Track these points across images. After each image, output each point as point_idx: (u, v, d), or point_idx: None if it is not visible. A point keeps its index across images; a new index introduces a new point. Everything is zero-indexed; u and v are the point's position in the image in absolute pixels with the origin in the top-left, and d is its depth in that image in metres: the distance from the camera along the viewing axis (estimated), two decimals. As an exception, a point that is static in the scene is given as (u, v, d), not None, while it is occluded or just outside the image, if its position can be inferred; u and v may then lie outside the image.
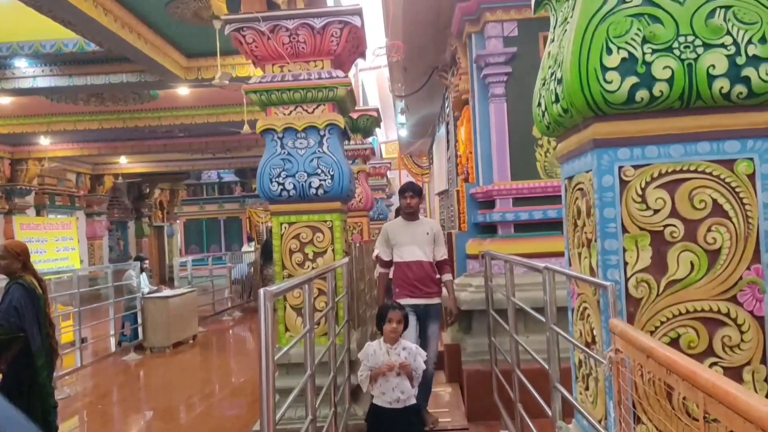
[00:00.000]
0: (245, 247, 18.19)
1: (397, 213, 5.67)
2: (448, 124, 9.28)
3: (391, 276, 5.14)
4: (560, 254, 4.63)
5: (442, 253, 5.02)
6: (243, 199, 23.27)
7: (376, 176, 14.34)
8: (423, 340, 4.75)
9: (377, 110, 9.99)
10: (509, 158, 5.75)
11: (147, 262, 10.99)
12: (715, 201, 2.05)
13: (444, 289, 5.04)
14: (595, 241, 2.17)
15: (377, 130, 11.91)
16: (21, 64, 9.68)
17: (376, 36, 9.44)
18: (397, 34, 7.44)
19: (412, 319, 4.55)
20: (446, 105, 9.31)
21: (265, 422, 2.02)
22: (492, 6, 5.72)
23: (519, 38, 5.72)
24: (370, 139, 10.40)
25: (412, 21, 7.09)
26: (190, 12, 8.08)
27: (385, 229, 5.16)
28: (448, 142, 9.53)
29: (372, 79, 16.06)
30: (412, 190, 5.02)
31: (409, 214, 5.03)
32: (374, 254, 5.68)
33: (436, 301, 4.92)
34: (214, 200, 23.73)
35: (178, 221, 25.34)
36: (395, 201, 19.51)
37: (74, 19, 7.12)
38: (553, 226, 5.50)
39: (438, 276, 5.02)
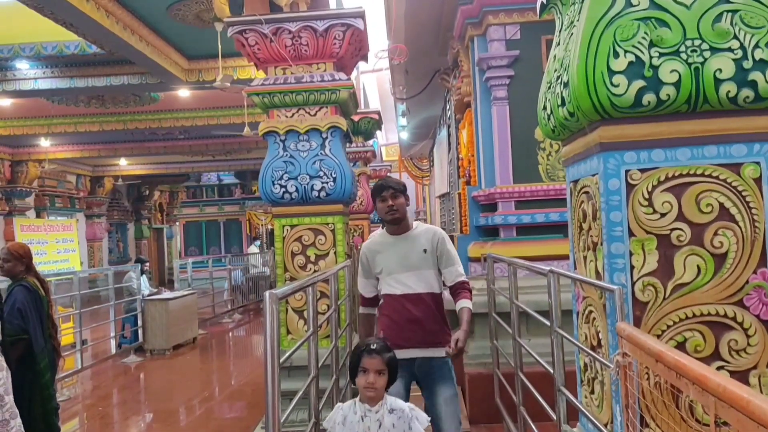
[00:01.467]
0: (252, 248, 18.05)
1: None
2: (449, 126, 9.28)
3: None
4: (562, 257, 4.65)
5: (455, 275, 3.26)
6: (243, 202, 23.23)
7: (377, 179, 14.34)
8: (433, 413, 3.06)
9: (378, 113, 10.01)
10: (511, 161, 5.75)
11: (148, 264, 10.97)
12: (721, 205, 2.05)
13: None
14: (601, 244, 2.17)
15: (378, 132, 11.92)
16: (22, 66, 9.68)
17: (378, 38, 9.45)
18: (399, 37, 7.44)
19: (401, 381, 3.00)
20: (447, 107, 9.32)
21: (270, 426, 2.02)
22: (494, 9, 5.72)
23: (521, 41, 5.73)
24: (371, 142, 10.42)
25: (415, 23, 7.10)
26: (192, 14, 8.08)
27: (364, 251, 3.40)
28: (449, 144, 9.53)
29: (373, 82, 16.06)
30: (391, 187, 3.24)
31: (393, 223, 3.28)
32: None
33: (442, 352, 3.10)
34: (213, 202, 23.67)
35: (177, 223, 25.29)
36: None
37: (76, 21, 7.12)
38: (555, 229, 5.50)
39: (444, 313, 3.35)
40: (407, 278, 3.21)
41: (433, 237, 3.25)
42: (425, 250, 3.21)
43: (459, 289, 3.21)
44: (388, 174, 17.89)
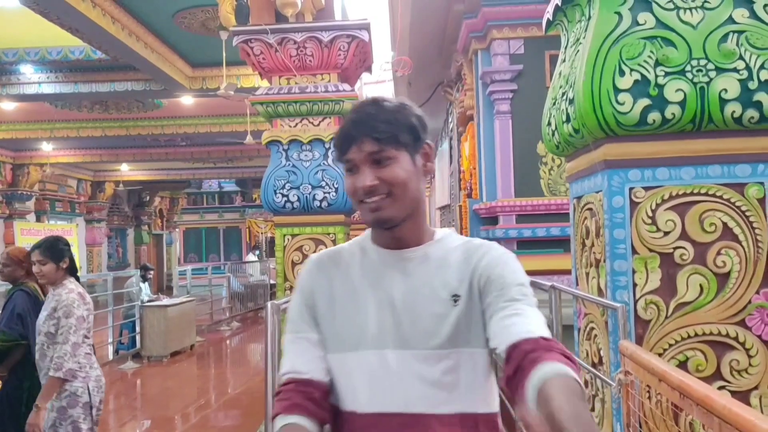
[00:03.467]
0: (250, 256, 18.06)
1: None
2: (451, 139, 9.30)
3: None
4: (563, 272, 4.64)
5: (529, 328, 1.14)
6: (243, 209, 23.24)
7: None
8: None
9: (381, 124, 10.02)
10: (513, 175, 5.76)
11: (152, 272, 10.94)
12: (725, 224, 2.05)
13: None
14: (604, 261, 2.17)
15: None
16: (27, 70, 9.71)
17: (382, 50, 9.49)
18: (403, 49, 7.47)
19: None
20: (450, 120, 9.34)
21: (270, 437, 1.99)
22: (499, 23, 5.75)
23: (525, 56, 5.75)
24: (372, 152, 10.44)
25: (419, 36, 7.13)
26: (198, 22, 8.12)
27: (301, 280, 1.37)
28: (451, 157, 9.55)
29: (376, 93, 16.12)
30: (368, 135, 1.21)
31: (380, 225, 1.25)
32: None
33: None
34: (214, 209, 23.69)
35: (177, 230, 25.30)
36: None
37: (81, 26, 7.15)
38: (556, 243, 5.49)
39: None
40: (403, 369, 1.23)
41: (477, 264, 1.26)
42: (456, 298, 1.24)
43: (545, 349, 1.12)
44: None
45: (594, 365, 2.36)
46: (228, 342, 12.12)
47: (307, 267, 1.39)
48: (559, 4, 2.37)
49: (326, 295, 1.31)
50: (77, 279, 3.68)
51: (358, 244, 1.37)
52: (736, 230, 2.05)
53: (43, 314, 3.48)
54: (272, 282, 14.25)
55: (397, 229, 1.25)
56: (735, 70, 1.99)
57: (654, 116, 2.00)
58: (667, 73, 2.00)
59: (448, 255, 1.28)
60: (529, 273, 4.14)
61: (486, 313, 1.22)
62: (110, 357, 9.40)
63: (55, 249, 3.52)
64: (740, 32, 2.01)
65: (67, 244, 3.69)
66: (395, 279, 1.27)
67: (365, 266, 1.31)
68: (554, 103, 2.39)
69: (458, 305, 1.23)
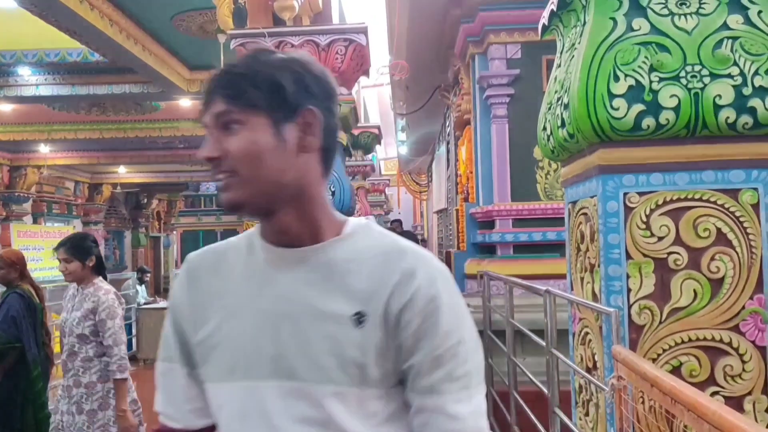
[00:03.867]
0: None
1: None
2: (448, 143, 9.31)
3: None
4: (559, 276, 4.64)
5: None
6: (241, 212, 23.23)
7: (375, 192, 14.38)
8: None
9: (378, 127, 10.04)
10: (510, 179, 5.76)
11: (149, 275, 10.93)
12: (719, 230, 2.06)
13: None
14: (599, 266, 2.17)
15: (377, 146, 11.96)
16: (24, 72, 9.69)
17: (380, 54, 9.50)
18: (401, 53, 7.48)
19: None
20: (447, 124, 9.35)
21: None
22: (496, 28, 5.76)
23: (522, 60, 5.76)
24: (370, 156, 10.44)
25: (416, 40, 7.14)
26: (196, 25, 8.12)
27: (172, 290, 1.16)
28: (448, 161, 9.56)
29: (374, 96, 16.12)
30: (218, 90, 0.98)
31: (233, 208, 0.99)
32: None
33: None
34: (211, 212, 23.63)
35: (174, 232, 25.25)
36: (393, 215, 19.47)
37: (79, 29, 7.14)
38: (553, 248, 5.49)
39: None
40: (280, 408, 0.94)
41: (401, 284, 0.93)
42: (360, 318, 0.93)
43: None
44: (387, 187, 17.87)
45: (588, 370, 2.36)
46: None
47: (179, 275, 1.10)
48: (555, 9, 2.37)
49: (197, 311, 1.02)
50: (105, 278, 3.58)
51: (248, 239, 1.05)
52: (730, 236, 2.06)
53: (76, 314, 3.39)
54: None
55: (275, 219, 0.97)
56: (729, 76, 1.99)
57: (648, 121, 2.01)
58: (661, 79, 2.00)
59: (358, 258, 0.96)
60: (526, 277, 4.16)
61: (406, 372, 0.94)
62: (106, 360, 9.37)
63: (80, 247, 3.44)
64: (735, 38, 2.01)
65: (95, 242, 3.59)
66: (281, 287, 0.96)
67: (248, 269, 1.00)
68: (549, 108, 2.40)
69: (362, 328, 0.91)
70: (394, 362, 0.93)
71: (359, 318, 0.92)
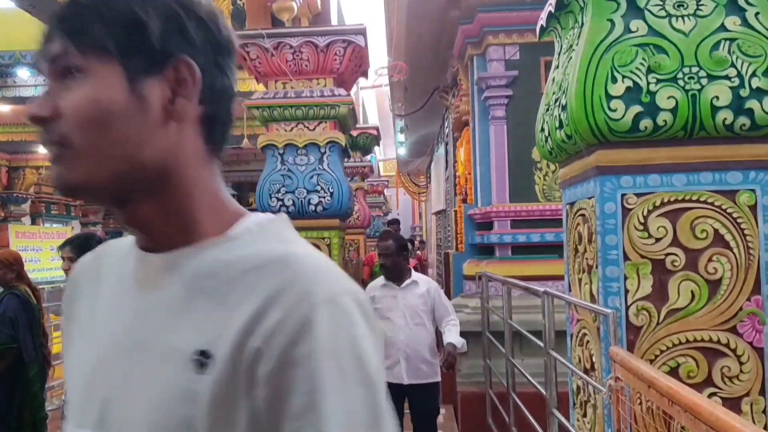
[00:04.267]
0: None
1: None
2: (447, 144, 9.32)
3: None
4: (557, 277, 4.65)
5: None
6: (239, 213, 23.21)
7: (374, 194, 14.38)
8: None
9: (377, 128, 10.06)
10: (508, 180, 5.77)
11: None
12: (716, 231, 2.06)
13: None
14: (596, 267, 2.17)
15: (376, 147, 11.97)
16: (23, 74, 9.70)
17: (378, 55, 9.52)
18: (399, 54, 7.49)
19: None
20: (446, 125, 9.36)
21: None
22: (494, 29, 5.76)
23: (520, 62, 5.76)
24: (369, 157, 10.45)
25: (415, 41, 7.14)
26: (194, 26, 8.13)
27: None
28: (446, 162, 9.56)
29: (372, 97, 16.14)
30: (82, 3, 0.69)
31: (55, 182, 0.71)
32: None
33: None
34: (210, 213, 23.66)
35: (173, 233, 25.25)
36: (392, 216, 19.44)
37: (78, 29, 7.15)
38: (551, 249, 5.49)
39: None
40: None
41: (265, 312, 0.63)
42: (203, 361, 0.64)
43: None
44: (385, 188, 17.83)
45: (586, 371, 2.36)
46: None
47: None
48: (553, 10, 2.37)
49: (69, 332, 0.82)
50: None
51: (130, 240, 0.79)
52: (728, 237, 2.06)
53: None
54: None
55: (129, 211, 0.72)
56: (727, 77, 1.99)
57: (646, 123, 2.01)
58: (659, 80, 2.00)
59: (226, 271, 0.68)
60: (524, 278, 4.16)
61: None
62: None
63: (86, 247, 3.44)
64: (732, 40, 2.01)
65: (100, 242, 3.58)
66: (138, 307, 0.71)
67: (117, 279, 0.77)
68: (547, 110, 2.40)
69: (203, 374, 0.63)
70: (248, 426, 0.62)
71: (201, 360, 0.63)
